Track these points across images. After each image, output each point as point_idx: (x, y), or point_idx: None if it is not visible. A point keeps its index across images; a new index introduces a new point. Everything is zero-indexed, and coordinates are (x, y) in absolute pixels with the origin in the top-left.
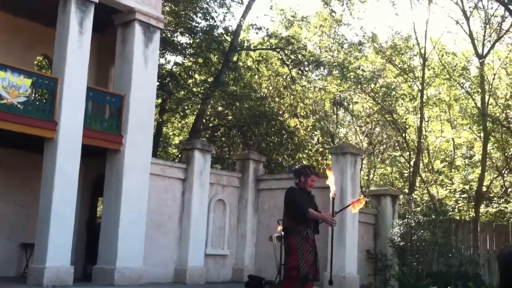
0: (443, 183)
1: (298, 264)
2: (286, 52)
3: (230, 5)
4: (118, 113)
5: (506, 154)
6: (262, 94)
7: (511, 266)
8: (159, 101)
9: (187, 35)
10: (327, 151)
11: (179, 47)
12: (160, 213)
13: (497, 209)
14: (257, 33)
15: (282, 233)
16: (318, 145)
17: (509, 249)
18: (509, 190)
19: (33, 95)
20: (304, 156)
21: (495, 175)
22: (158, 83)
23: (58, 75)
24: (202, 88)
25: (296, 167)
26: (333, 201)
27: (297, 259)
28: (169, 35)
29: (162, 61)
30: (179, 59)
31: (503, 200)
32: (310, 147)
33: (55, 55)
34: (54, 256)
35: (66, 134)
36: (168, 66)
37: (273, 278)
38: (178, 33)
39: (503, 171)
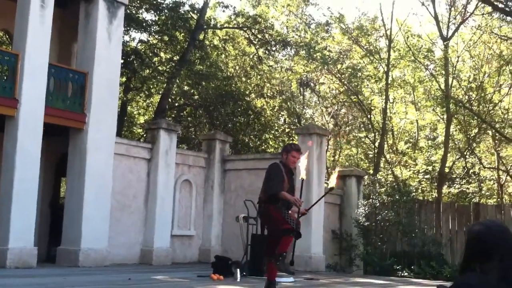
0: (407, 164)
1: (287, 221)
2: (253, 31)
3: None
4: (81, 91)
5: (468, 136)
6: (228, 73)
7: (479, 242)
8: (124, 79)
9: (153, 12)
10: (293, 131)
11: (144, 24)
12: (125, 194)
13: (459, 189)
14: (224, 11)
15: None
16: (284, 126)
17: (479, 226)
18: (471, 171)
19: None
20: (271, 136)
21: (457, 157)
22: (122, 61)
23: (19, 50)
24: (168, 66)
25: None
26: (302, 183)
27: (284, 218)
28: (134, 12)
29: (127, 38)
30: (144, 36)
31: (465, 181)
32: (276, 128)
33: (15, 30)
34: (17, 237)
35: (27, 112)
36: (133, 44)
37: (240, 258)
38: (143, 9)
39: (465, 153)
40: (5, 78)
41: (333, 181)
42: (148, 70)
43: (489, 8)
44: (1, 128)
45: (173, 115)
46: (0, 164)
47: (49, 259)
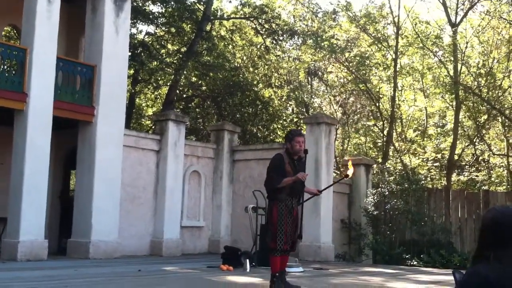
0: (415, 152)
1: (276, 237)
2: (260, 21)
3: None
4: (89, 84)
5: (477, 123)
6: (236, 64)
7: (498, 227)
8: (131, 72)
9: (159, 4)
10: (301, 121)
11: (150, 16)
12: (134, 185)
13: (468, 177)
14: (230, 1)
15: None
16: (292, 115)
17: (493, 212)
18: (480, 158)
19: (2, 66)
20: (279, 126)
21: (466, 144)
22: (130, 54)
23: (27, 45)
24: (175, 58)
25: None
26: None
27: (275, 232)
28: (140, 4)
29: (134, 31)
30: (151, 28)
31: (474, 168)
32: (284, 117)
33: (23, 25)
34: (28, 230)
35: (36, 106)
36: (140, 36)
37: (249, 249)
38: (149, 1)
39: (474, 140)
40: (13, 72)
41: (350, 169)
42: (155, 62)
43: None
44: (10, 122)
45: (181, 107)
46: (10, 158)
47: (60, 252)
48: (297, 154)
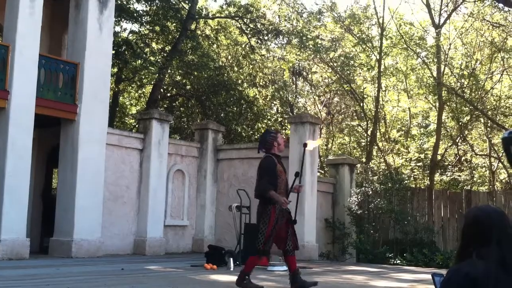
0: (399, 152)
1: (268, 240)
2: (245, 20)
3: None
4: (72, 82)
5: (460, 123)
6: (220, 63)
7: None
8: (115, 70)
9: (143, 2)
10: (286, 120)
11: (135, 14)
12: (117, 184)
13: (451, 177)
14: (215, 1)
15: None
16: (277, 115)
17: (476, 210)
18: (463, 158)
19: None
20: (263, 126)
21: (449, 144)
22: (113, 52)
23: (9, 42)
24: (159, 57)
25: (261, 142)
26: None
27: (269, 236)
28: (124, 2)
29: (118, 29)
30: (135, 27)
31: (457, 168)
32: (269, 117)
33: (5, 21)
34: (9, 228)
35: (18, 103)
36: (124, 34)
37: (233, 248)
38: None
39: (457, 140)
40: None
41: (313, 143)
42: (139, 61)
43: None
44: None
45: (165, 105)
46: None
47: (42, 250)
48: (282, 151)
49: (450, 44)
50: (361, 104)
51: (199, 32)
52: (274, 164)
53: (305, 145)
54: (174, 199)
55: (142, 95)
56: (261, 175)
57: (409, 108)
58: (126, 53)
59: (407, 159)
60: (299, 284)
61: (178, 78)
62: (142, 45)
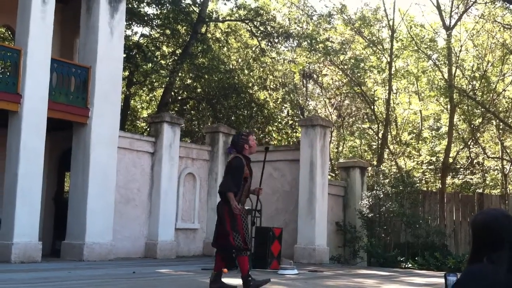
0: (410, 155)
1: (245, 239)
2: (255, 23)
3: None
4: (84, 86)
5: (472, 126)
6: (231, 66)
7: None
8: (126, 73)
9: (154, 6)
10: (296, 123)
11: (145, 18)
12: (129, 187)
13: (462, 180)
14: (225, 4)
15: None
16: (287, 118)
17: (483, 215)
18: (475, 161)
19: None
20: (274, 129)
21: (461, 147)
22: (124, 55)
23: (21, 46)
24: (170, 60)
25: (232, 143)
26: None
27: (244, 234)
28: (135, 6)
29: (129, 32)
30: (146, 30)
31: (469, 171)
32: (279, 120)
33: (17, 25)
34: (21, 232)
35: (30, 107)
36: (135, 38)
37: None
38: (144, 3)
39: (469, 143)
40: (8, 73)
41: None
42: (150, 64)
43: None
44: (4, 123)
45: (176, 109)
46: (4, 160)
47: (54, 254)
48: (253, 153)
49: (461, 46)
50: (372, 106)
51: (209, 35)
52: (243, 165)
53: (266, 148)
54: (185, 202)
55: (153, 98)
56: (227, 172)
57: (420, 111)
58: (137, 56)
59: (419, 162)
60: (219, 285)
61: (189, 81)
62: (153, 48)
